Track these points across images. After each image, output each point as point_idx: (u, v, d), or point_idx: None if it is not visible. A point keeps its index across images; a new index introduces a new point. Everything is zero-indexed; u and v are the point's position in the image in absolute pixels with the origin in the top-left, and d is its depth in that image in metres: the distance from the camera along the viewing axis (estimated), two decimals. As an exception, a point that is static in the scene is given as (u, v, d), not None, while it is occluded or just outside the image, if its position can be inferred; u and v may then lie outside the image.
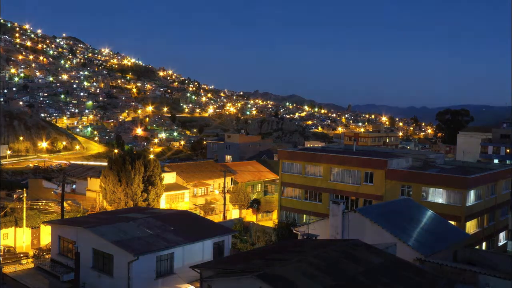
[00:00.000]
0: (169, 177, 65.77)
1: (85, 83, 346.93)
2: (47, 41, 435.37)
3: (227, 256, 35.14)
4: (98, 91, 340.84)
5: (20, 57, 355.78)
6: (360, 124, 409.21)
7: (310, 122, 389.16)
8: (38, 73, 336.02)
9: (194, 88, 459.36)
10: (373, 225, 33.42)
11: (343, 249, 27.83)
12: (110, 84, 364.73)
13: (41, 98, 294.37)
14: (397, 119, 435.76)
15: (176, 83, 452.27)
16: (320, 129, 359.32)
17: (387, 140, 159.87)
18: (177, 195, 64.95)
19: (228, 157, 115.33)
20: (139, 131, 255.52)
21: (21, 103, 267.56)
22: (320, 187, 57.48)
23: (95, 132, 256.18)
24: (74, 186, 69.80)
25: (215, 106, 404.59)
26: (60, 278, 33.89)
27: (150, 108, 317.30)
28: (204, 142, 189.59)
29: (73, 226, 36.12)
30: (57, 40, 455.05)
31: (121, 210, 47.46)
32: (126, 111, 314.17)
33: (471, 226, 48.27)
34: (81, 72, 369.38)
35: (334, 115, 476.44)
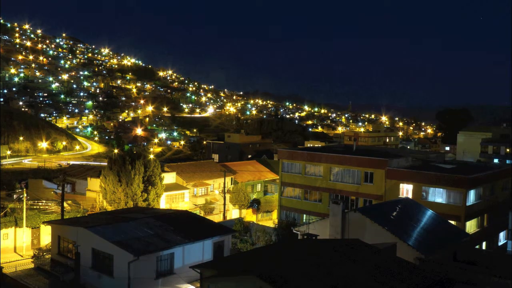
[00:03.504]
0: (169, 177, 65.76)
1: (85, 83, 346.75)
2: (47, 41, 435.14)
3: (227, 256, 35.16)
4: (98, 91, 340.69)
5: (20, 57, 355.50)
6: (360, 124, 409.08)
7: (310, 122, 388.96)
8: (38, 73, 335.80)
9: (194, 88, 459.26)
10: (373, 225, 33.43)
11: (343, 249, 27.83)
12: (110, 84, 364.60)
13: (41, 98, 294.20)
14: (397, 118, 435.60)
15: (176, 83, 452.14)
16: (320, 129, 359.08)
17: (387, 140, 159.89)
18: (177, 195, 64.93)
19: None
20: (139, 131, 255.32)
21: (21, 103, 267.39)
22: (320, 187, 57.47)
23: (95, 132, 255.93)
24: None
25: (215, 106, 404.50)
26: (60, 278, 33.90)
27: (150, 108, 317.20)
28: (204, 142, 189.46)
29: (73, 226, 36.12)
30: (57, 40, 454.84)
31: (121, 210, 47.46)
32: (126, 111, 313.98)
33: (471, 226, 48.28)
34: (81, 72, 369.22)
35: (334, 115, 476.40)
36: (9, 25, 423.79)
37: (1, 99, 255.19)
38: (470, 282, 26.80)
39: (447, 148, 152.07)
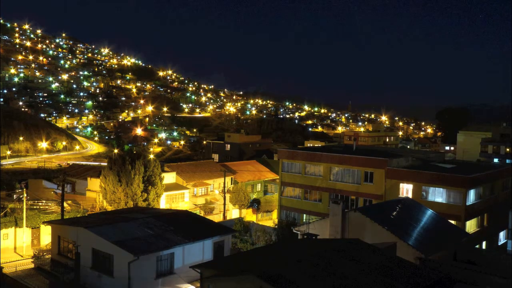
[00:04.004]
0: (169, 177, 65.77)
1: (85, 83, 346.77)
2: (47, 41, 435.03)
3: (227, 256, 35.16)
4: (98, 91, 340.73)
5: (20, 57, 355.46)
6: (360, 123, 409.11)
7: (310, 122, 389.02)
8: (38, 73, 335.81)
9: (194, 88, 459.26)
10: (373, 225, 33.42)
11: (343, 248, 27.82)
12: (110, 84, 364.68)
13: (41, 98, 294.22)
14: (397, 118, 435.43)
15: (176, 83, 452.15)
16: (320, 129, 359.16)
17: (387, 140, 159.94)
18: (177, 195, 64.94)
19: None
20: (139, 131, 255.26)
21: (21, 103, 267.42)
22: (320, 187, 57.48)
23: (95, 132, 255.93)
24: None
25: (215, 106, 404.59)
26: (60, 278, 33.89)
27: (150, 108, 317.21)
28: (204, 142, 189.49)
29: (73, 226, 36.12)
30: (57, 40, 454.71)
31: (121, 210, 47.48)
32: (126, 111, 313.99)
33: (471, 225, 48.30)
34: (81, 72, 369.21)
35: (334, 114, 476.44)
36: (9, 25, 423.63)
37: (1, 99, 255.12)
38: (470, 282, 26.80)
39: (451, 148, 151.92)
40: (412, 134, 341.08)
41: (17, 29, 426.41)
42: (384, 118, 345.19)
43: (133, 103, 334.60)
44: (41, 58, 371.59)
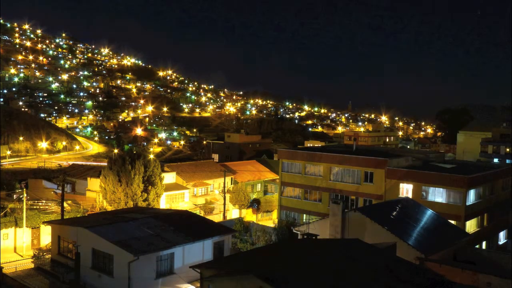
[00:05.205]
0: (169, 177, 65.77)
1: (85, 83, 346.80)
2: (47, 41, 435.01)
3: (227, 256, 35.15)
4: (98, 91, 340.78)
5: (20, 57, 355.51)
6: (360, 123, 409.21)
7: (310, 122, 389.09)
8: (38, 73, 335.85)
9: (194, 88, 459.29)
10: (373, 225, 33.44)
11: (343, 248, 27.83)
12: (110, 84, 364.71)
13: (41, 98, 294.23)
14: (397, 118, 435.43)
15: (176, 83, 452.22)
16: (320, 128, 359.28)
17: (387, 140, 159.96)
18: (177, 195, 64.94)
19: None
20: (139, 131, 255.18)
21: (21, 103, 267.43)
22: (320, 187, 57.47)
23: (95, 132, 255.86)
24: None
25: (215, 106, 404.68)
26: (60, 278, 33.90)
27: (150, 108, 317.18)
28: (204, 142, 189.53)
29: (73, 226, 36.14)
30: (57, 40, 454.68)
31: (121, 210, 47.47)
32: (126, 111, 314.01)
33: (471, 225, 48.32)
34: (81, 72, 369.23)
35: (334, 114, 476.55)
36: (9, 25, 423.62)
37: (1, 99, 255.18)
38: (470, 281, 26.79)
39: (447, 148, 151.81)
40: (412, 134, 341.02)
41: (17, 29, 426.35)
42: (384, 118, 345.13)
43: (133, 103, 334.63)
44: (41, 58, 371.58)
